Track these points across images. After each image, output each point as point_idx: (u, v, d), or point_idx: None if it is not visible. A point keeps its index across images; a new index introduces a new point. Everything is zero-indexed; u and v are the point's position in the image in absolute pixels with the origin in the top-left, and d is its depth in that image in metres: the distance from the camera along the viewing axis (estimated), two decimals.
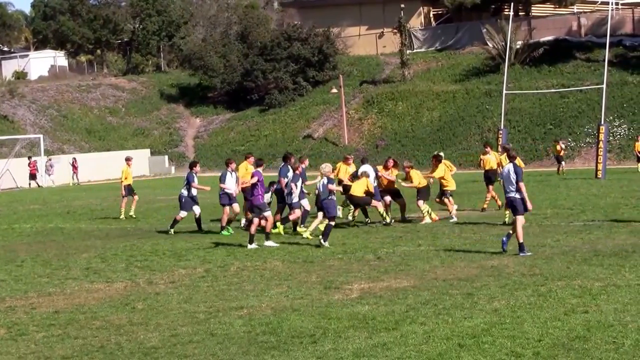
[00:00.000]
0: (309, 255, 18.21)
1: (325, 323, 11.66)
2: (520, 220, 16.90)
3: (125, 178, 29.17)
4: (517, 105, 55.00)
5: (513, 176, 16.94)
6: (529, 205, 17.14)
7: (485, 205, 25.68)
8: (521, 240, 16.76)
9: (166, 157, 63.49)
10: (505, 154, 20.42)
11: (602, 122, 39.99)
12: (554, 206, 25.89)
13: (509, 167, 17.21)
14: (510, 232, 17.14)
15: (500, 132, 42.39)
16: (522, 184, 16.97)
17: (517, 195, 16.98)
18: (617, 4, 62.68)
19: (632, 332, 10.43)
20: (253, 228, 19.81)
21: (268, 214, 20.04)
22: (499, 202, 24.65)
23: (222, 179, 22.83)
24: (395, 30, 64.91)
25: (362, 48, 69.94)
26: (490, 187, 25.48)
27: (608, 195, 28.75)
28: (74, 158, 57.31)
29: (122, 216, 28.83)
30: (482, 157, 26.56)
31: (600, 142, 38.80)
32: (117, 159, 60.39)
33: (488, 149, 26.42)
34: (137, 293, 14.69)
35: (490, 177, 25.70)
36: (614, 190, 30.69)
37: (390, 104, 60.67)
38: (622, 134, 50.78)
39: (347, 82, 63.61)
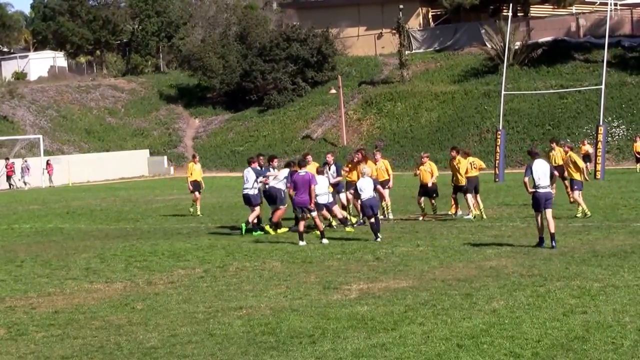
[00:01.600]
0: (307, 255, 18.21)
1: (324, 323, 11.68)
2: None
3: (191, 174, 29.17)
4: (515, 105, 54.98)
5: (551, 171, 17.97)
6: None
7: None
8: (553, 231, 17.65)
9: (165, 157, 63.46)
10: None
11: (601, 123, 40.01)
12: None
13: (544, 163, 17.95)
14: (552, 230, 17.53)
15: (499, 132, 42.39)
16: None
17: (553, 190, 18.35)
18: (615, 4, 62.61)
19: (631, 333, 10.45)
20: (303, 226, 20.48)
21: (314, 214, 20.48)
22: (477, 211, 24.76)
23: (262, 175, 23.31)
24: (393, 31, 64.84)
25: (361, 49, 69.86)
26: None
27: (607, 196, 28.77)
28: (48, 160, 56.39)
29: (199, 213, 28.64)
30: (550, 153, 26.52)
31: (599, 143, 38.82)
32: (115, 160, 60.61)
33: (554, 145, 26.44)
34: (136, 293, 14.71)
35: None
36: (612, 191, 30.72)
37: (389, 105, 60.64)
38: (620, 134, 50.77)
39: (346, 83, 63.56)
